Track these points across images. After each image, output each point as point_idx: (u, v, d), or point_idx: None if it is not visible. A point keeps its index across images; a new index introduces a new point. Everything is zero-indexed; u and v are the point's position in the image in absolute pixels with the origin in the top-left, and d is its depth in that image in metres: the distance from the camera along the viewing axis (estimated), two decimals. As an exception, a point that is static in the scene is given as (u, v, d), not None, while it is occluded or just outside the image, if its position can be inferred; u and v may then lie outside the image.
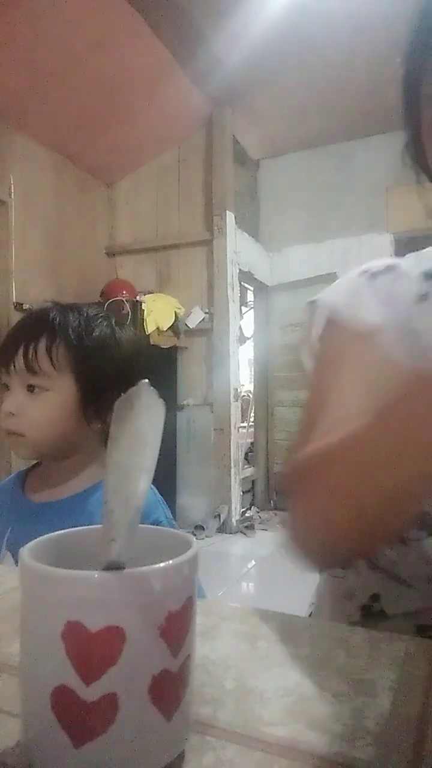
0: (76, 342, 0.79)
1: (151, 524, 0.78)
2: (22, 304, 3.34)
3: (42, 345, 0.78)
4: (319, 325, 0.62)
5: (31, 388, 0.78)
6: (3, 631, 0.45)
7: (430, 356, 0.56)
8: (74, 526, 0.84)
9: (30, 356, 0.77)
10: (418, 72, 0.51)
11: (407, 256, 0.64)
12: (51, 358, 0.78)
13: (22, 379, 0.78)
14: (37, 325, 0.80)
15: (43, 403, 0.78)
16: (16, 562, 0.78)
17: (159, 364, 3.78)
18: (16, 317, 3.26)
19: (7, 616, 0.48)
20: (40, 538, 0.31)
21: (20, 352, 0.77)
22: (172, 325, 3.86)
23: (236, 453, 4.09)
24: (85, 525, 0.82)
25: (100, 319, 0.84)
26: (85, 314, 0.83)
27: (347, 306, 0.60)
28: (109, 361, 0.82)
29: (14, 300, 3.36)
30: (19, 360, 0.77)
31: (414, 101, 0.53)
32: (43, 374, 0.78)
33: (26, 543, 0.30)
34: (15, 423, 0.78)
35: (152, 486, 0.85)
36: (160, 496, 0.83)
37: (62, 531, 0.33)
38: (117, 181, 4.44)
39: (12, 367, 0.78)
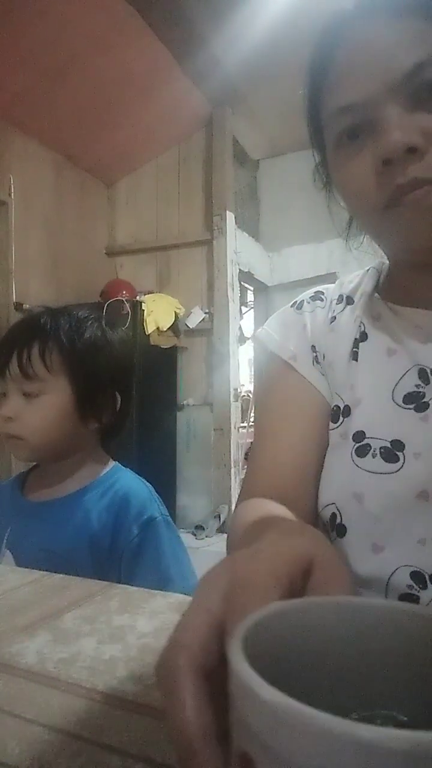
0: (68, 345, 0.81)
1: (145, 521, 0.79)
2: (22, 304, 3.34)
3: (35, 350, 0.79)
4: (261, 357, 0.71)
5: (27, 393, 0.79)
6: (3, 631, 0.45)
7: (333, 372, 0.63)
8: (70, 524, 0.85)
9: (24, 362, 0.78)
10: (317, 106, 0.58)
11: (337, 281, 0.72)
12: (44, 363, 0.79)
13: (18, 385, 0.79)
14: (29, 331, 0.81)
15: (40, 407, 0.79)
16: (16, 560, 0.79)
17: (159, 364, 3.78)
18: (16, 317, 3.26)
19: (7, 616, 0.48)
20: (250, 620, 0.20)
21: (14, 358, 0.78)
22: (172, 325, 3.86)
23: (236, 453, 4.09)
24: (80, 522, 0.83)
25: (90, 321, 0.85)
26: (75, 317, 0.84)
27: (278, 336, 0.68)
28: (102, 362, 0.84)
29: (14, 300, 3.36)
30: (14, 366, 0.78)
31: (318, 127, 0.59)
32: (38, 379, 0.79)
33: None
34: (13, 427, 0.79)
35: (146, 482, 0.86)
36: (155, 493, 0.84)
37: (279, 606, 0.22)
38: (117, 181, 4.44)
39: (7, 373, 0.79)
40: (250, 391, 5.28)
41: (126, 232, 4.43)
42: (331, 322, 0.66)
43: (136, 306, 3.62)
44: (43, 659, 0.40)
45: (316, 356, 0.66)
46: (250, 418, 5.28)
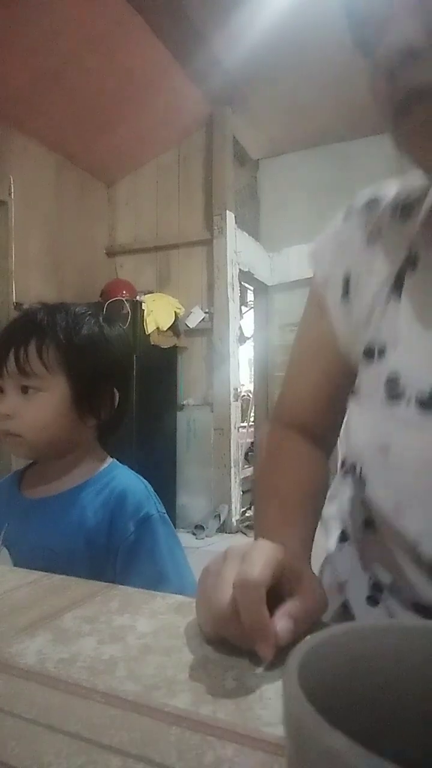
0: (65, 341, 0.80)
1: (142, 518, 0.79)
2: (22, 304, 3.34)
3: (32, 347, 0.79)
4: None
5: (24, 390, 0.79)
6: (3, 631, 0.45)
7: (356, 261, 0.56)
8: (67, 521, 0.85)
9: (21, 359, 0.78)
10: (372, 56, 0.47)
11: (402, 181, 0.59)
12: (42, 360, 0.79)
13: (16, 382, 0.79)
14: (26, 328, 0.81)
15: (38, 404, 0.79)
16: (13, 558, 0.79)
17: (159, 364, 3.78)
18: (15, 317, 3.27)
19: (7, 616, 0.48)
20: (304, 647, 0.20)
21: (11, 355, 0.78)
22: (172, 325, 3.86)
23: (236, 453, 4.09)
24: (76, 519, 0.83)
25: (87, 317, 0.85)
26: (72, 313, 0.84)
27: (316, 258, 0.62)
28: (99, 359, 0.83)
29: (14, 300, 3.36)
30: (11, 363, 0.78)
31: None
32: (36, 375, 0.79)
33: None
34: (11, 424, 0.79)
35: (143, 480, 0.85)
36: (152, 489, 0.84)
37: (334, 631, 0.21)
38: (117, 181, 4.44)
39: (4, 370, 0.79)
40: (250, 391, 5.28)
41: (126, 232, 4.43)
42: (374, 242, 0.56)
43: (136, 306, 3.62)
44: (43, 659, 0.40)
45: (348, 287, 0.57)
46: (250, 418, 5.27)
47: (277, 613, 0.39)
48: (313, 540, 0.56)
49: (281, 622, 0.38)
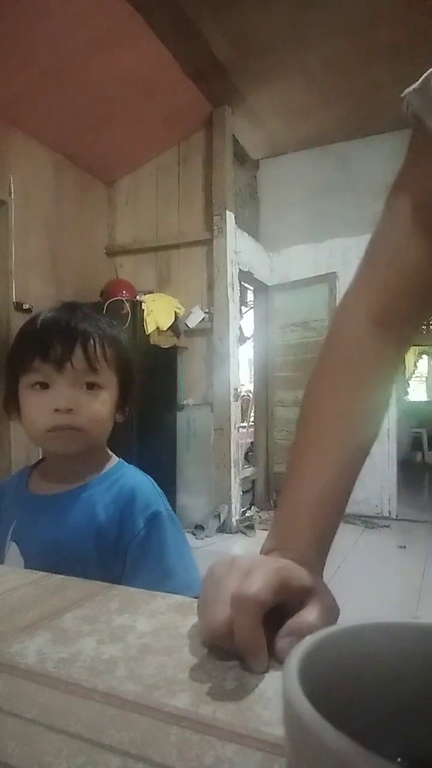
0: (116, 338, 0.85)
1: (151, 515, 0.79)
2: (21, 304, 3.34)
3: (98, 344, 0.81)
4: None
5: (87, 385, 0.80)
6: (3, 631, 0.45)
7: None
8: (76, 516, 0.86)
9: (91, 354, 0.80)
10: None
11: None
12: (106, 356, 0.82)
13: (79, 377, 0.79)
14: (86, 325, 0.82)
15: (99, 399, 0.81)
16: (22, 553, 0.79)
17: (159, 364, 3.78)
18: (15, 317, 3.28)
19: (7, 616, 0.48)
20: (305, 646, 0.20)
21: (77, 351, 0.79)
22: (172, 325, 3.86)
23: (236, 453, 4.09)
24: (86, 514, 0.84)
25: (114, 322, 0.91)
26: (103, 314, 0.89)
27: (425, 97, 0.51)
28: (133, 357, 0.90)
29: (14, 300, 3.36)
30: (79, 359, 0.79)
31: None
32: (101, 372, 0.81)
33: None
34: (73, 418, 0.79)
35: (151, 478, 0.86)
36: (159, 488, 0.85)
37: (334, 630, 0.21)
38: (117, 181, 4.44)
39: (65, 365, 0.78)
40: (250, 391, 5.28)
41: (126, 232, 4.43)
42: None
43: (136, 306, 3.62)
44: (43, 659, 0.40)
45: None
46: (250, 418, 5.27)
47: (278, 632, 0.38)
48: (337, 527, 0.51)
49: (279, 643, 0.38)
